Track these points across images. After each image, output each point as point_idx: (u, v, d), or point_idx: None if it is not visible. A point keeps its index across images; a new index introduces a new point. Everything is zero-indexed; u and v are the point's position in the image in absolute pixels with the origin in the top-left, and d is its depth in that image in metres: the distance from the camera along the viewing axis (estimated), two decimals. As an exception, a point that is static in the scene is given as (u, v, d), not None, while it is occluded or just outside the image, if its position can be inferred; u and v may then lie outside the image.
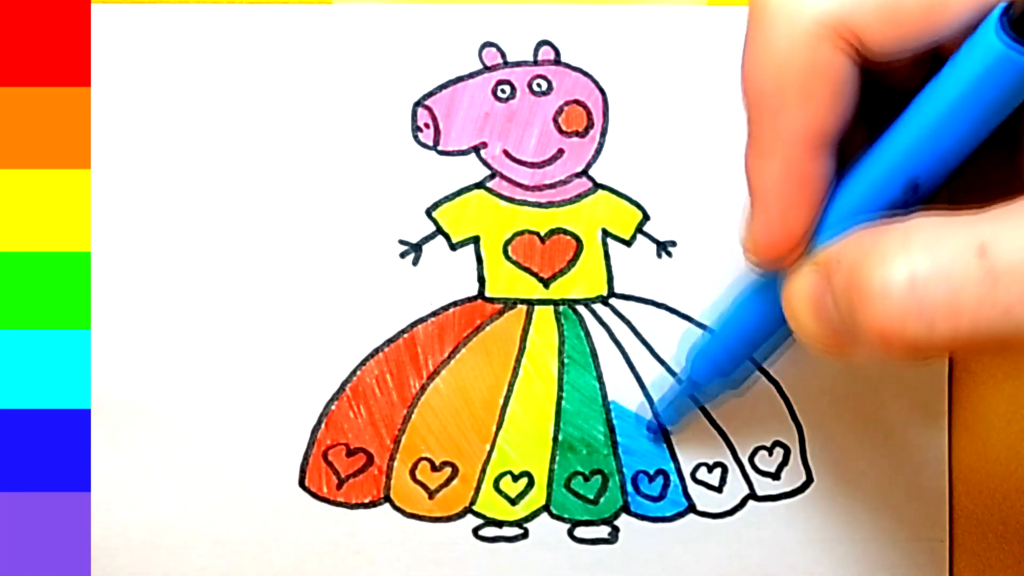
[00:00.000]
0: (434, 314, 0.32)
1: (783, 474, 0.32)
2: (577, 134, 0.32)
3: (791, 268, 0.22)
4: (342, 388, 0.32)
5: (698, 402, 0.31)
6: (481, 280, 0.32)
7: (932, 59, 0.21)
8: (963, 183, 0.21)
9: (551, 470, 0.32)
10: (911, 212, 0.20)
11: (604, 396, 0.32)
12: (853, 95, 0.21)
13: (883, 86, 0.22)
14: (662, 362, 0.32)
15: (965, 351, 0.18)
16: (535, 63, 0.32)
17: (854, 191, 0.22)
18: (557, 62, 0.32)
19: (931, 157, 0.20)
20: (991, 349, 0.18)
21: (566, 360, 0.32)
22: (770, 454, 0.32)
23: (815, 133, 0.21)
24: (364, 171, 0.32)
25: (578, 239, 0.32)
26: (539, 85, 0.32)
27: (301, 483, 0.32)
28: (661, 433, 0.32)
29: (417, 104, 0.32)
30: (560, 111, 0.32)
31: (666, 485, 0.32)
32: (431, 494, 0.32)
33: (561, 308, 0.32)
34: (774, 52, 0.21)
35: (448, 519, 0.32)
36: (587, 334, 0.32)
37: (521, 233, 0.32)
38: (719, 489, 0.32)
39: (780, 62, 0.21)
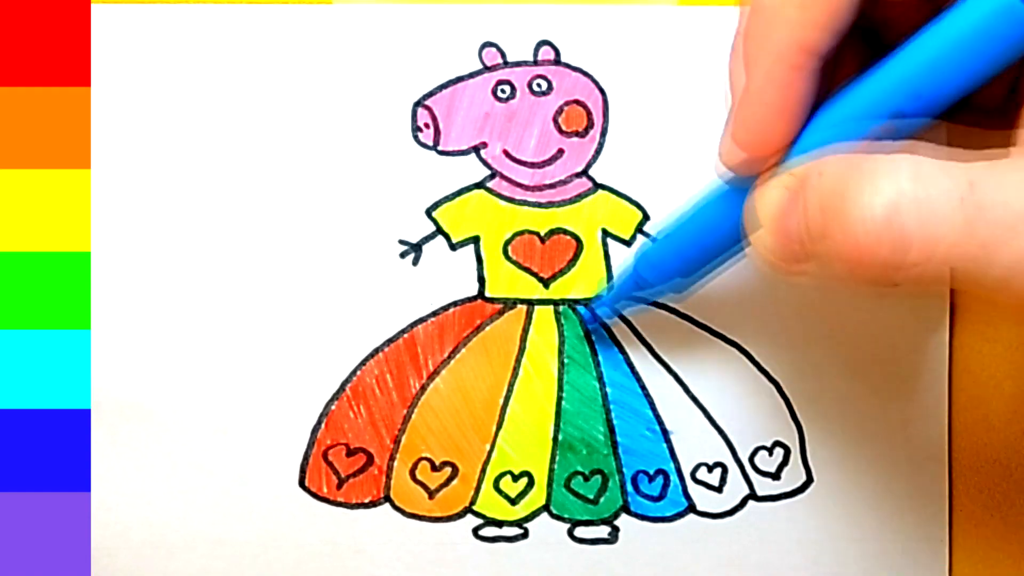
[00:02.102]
0: (434, 314, 0.32)
1: (783, 474, 0.32)
2: (577, 134, 0.32)
3: (761, 177, 0.22)
4: (342, 388, 0.32)
5: (640, 300, 0.31)
6: (481, 280, 0.32)
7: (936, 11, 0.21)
8: (957, 132, 0.21)
9: (551, 470, 0.32)
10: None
11: (604, 396, 0.32)
12: (850, 9, 0.21)
13: (883, 39, 0.22)
14: (662, 362, 0.32)
15: (934, 282, 0.19)
16: (535, 63, 0.32)
17: (838, 113, 0.22)
18: (557, 62, 0.32)
19: (922, 92, 0.20)
20: (961, 283, 0.19)
21: (566, 360, 0.32)
22: (770, 454, 0.32)
23: (806, 38, 0.21)
24: (364, 171, 0.32)
25: (578, 239, 0.32)
26: (539, 85, 0.32)
27: (301, 483, 0.32)
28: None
29: (417, 104, 0.32)
30: (560, 111, 0.32)
31: (666, 485, 0.32)
32: (431, 494, 0.32)
33: (561, 308, 0.32)
34: None
35: (448, 519, 0.32)
36: (587, 334, 0.32)
37: (521, 233, 0.32)
38: (719, 489, 0.32)
39: None
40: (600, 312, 0.32)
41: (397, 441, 0.32)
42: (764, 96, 0.22)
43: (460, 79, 0.32)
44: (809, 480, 0.32)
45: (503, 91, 0.32)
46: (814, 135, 0.22)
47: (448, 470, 0.32)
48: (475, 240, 0.32)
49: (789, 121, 0.22)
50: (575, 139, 0.32)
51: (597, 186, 0.32)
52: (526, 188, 0.32)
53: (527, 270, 0.32)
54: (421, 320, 0.32)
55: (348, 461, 0.32)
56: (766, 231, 0.22)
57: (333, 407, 0.32)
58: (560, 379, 0.32)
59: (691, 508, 0.32)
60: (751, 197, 0.22)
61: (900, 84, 0.20)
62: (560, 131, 0.32)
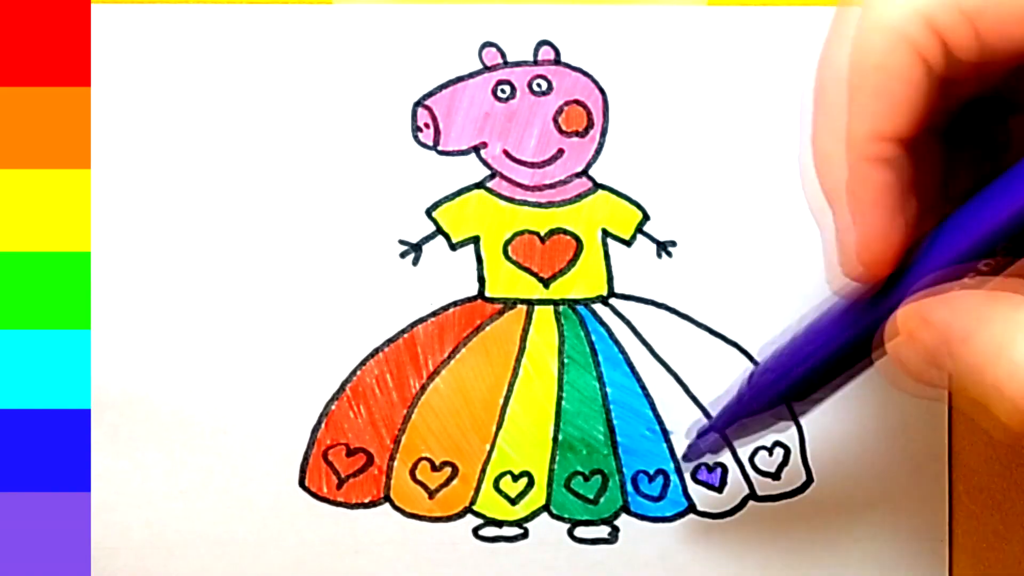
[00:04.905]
0: (434, 314, 0.32)
1: (783, 474, 0.32)
2: (577, 134, 0.32)
3: (902, 320, 0.21)
4: (342, 388, 0.32)
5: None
6: (481, 280, 0.32)
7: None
8: None
9: (551, 470, 0.32)
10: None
11: (604, 396, 0.32)
12: (926, 98, 0.20)
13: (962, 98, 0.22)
14: (662, 362, 0.32)
15: None
16: (535, 63, 0.32)
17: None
18: (557, 62, 0.32)
19: None
20: None
21: (566, 360, 0.32)
22: (770, 454, 0.32)
23: (884, 129, 0.20)
24: (364, 171, 0.32)
25: (578, 239, 0.32)
26: (539, 85, 0.32)
27: (301, 483, 0.32)
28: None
29: (417, 104, 0.32)
30: (560, 111, 0.32)
31: (666, 485, 0.32)
32: (431, 494, 0.32)
33: (561, 308, 0.32)
34: (858, 43, 0.20)
35: (448, 519, 0.32)
36: (587, 334, 0.32)
37: (521, 233, 0.32)
38: (719, 489, 0.32)
39: (861, 53, 0.20)
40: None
41: (397, 441, 0.32)
42: (855, 198, 0.21)
43: (460, 79, 0.32)
44: (809, 480, 0.32)
45: (503, 91, 0.32)
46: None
47: (448, 470, 0.32)
48: (475, 240, 0.32)
49: (884, 215, 0.21)
50: (575, 139, 0.32)
51: (597, 186, 0.32)
52: (526, 188, 0.32)
53: (527, 270, 0.32)
54: (421, 320, 0.32)
55: (348, 461, 0.32)
56: (910, 366, 0.21)
57: (333, 407, 0.32)
58: (560, 379, 0.32)
59: (691, 508, 0.32)
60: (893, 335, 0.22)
61: None
62: (560, 131, 0.32)
